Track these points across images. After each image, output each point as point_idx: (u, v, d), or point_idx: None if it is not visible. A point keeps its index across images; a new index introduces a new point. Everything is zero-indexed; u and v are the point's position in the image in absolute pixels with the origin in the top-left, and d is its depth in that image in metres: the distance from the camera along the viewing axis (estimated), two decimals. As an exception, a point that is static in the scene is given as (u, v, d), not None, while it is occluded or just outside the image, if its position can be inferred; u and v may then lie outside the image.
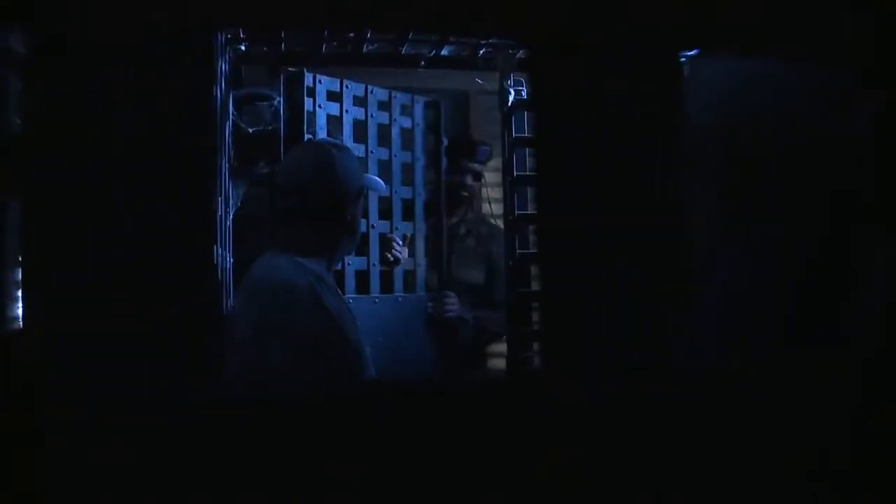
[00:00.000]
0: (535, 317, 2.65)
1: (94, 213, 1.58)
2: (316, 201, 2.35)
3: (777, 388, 1.78)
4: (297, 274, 2.27)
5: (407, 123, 3.22)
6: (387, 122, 3.14)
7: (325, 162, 2.36)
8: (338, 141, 2.77)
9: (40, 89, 1.61)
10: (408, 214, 3.20)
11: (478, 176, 3.52)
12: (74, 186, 1.58)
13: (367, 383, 2.16)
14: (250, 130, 2.67)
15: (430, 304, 3.16)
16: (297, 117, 2.85)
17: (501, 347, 3.32)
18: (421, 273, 3.23)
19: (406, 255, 3.15)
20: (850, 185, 1.95)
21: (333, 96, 2.95)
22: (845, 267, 1.97)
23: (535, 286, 2.72)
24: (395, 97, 3.17)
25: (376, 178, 2.73)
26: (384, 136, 3.13)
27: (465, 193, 3.50)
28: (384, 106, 3.14)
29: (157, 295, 1.60)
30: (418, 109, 3.27)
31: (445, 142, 3.35)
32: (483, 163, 3.50)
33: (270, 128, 2.76)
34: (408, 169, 3.20)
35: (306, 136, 2.81)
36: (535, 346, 2.61)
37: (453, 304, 3.20)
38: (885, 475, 1.79)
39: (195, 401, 1.57)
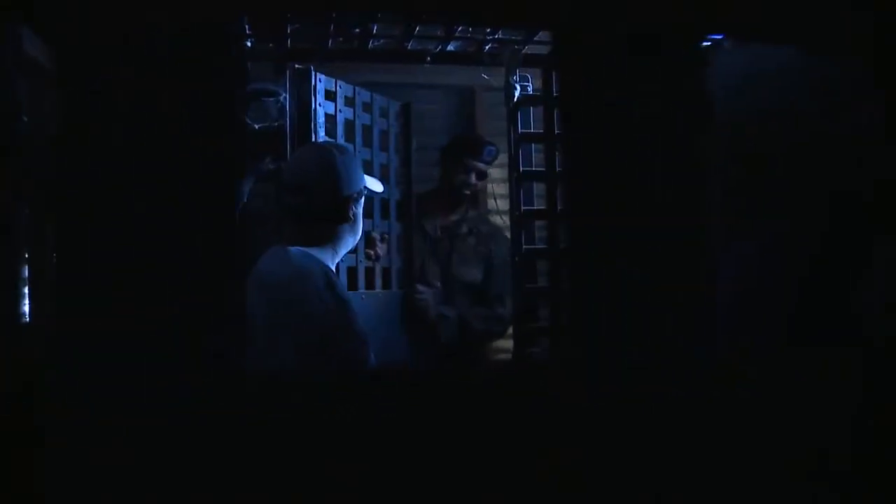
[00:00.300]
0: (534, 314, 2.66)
1: (108, 212, 1.59)
2: (319, 201, 2.40)
3: (777, 387, 1.77)
4: (311, 263, 2.34)
5: (384, 125, 3.24)
6: (369, 123, 3.16)
7: (327, 164, 2.41)
8: (341, 143, 2.79)
9: (61, 89, 1.62)
10: (386, 213, 3.24)
11: (482, 175, 3.50)
12: (89, 187, 1.59)
13: (375, 371, 2.18)
14: (256, 127, 2.68)
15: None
16: (304, 114, 2.85)
17: (508, 344, 3.33)
18: (395, 270, 3.26)
19: (384, 253, 3.19)
20: (853, 185, 1.94)
21: (331, 95, 2.96)
22: (848, 267, 1.96)
23: (540, 282, 2.74)
24: (374, 100, 3.17)
25: (374, 178, 2.75)
26: (368, 137, 3.16)
27: (468, 192, 3.48)
28: (368, 107, 3.16)
29: (179, 293, 1.60)
30: (392, 112, 3.28)
31: (415, 144, 3.35)
32: (489, 163, 3.49)
33: (276, 124, 2.77)
34: (385, 169, 3.22)
35: (312, 134, 2.82)
36: (539, 342, 2.62)
37: (424, 295, 3.21)
38: (885, 475, 1.79)
39: (212, 396, 1.57)
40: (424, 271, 3.35)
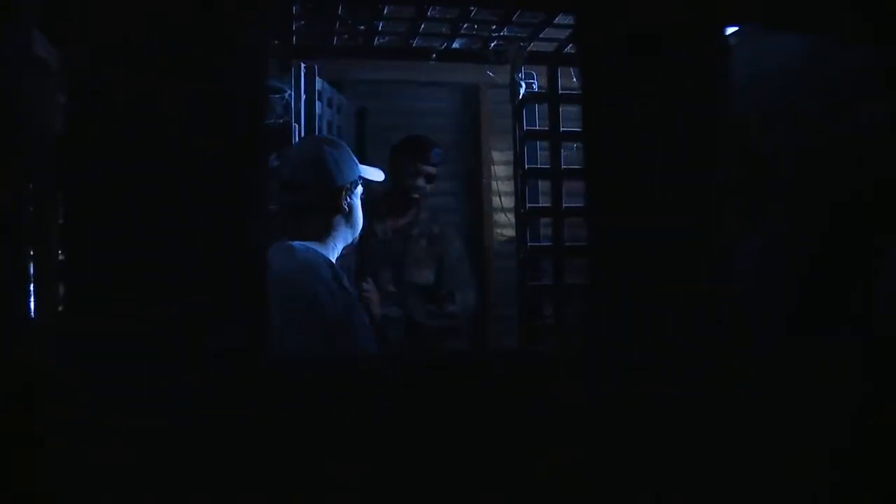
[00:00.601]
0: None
1: (126, 210, 1.58)
2: (312, 194, 2.38)
3: (778, 387, 1.76)
4: (315, 256, 2.33)
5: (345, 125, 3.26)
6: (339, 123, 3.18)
7: (317, 157, 2.39)
8: (333, 137, 2.78)
9: (74, 87, 1.62)
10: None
11: (430, 178, 3.40)
12: (107, 186, 1.59)
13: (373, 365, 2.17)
14: (262, 123, 2.68)
15: None
16: (309, 112, 2.87)
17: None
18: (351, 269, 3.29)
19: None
20: (855, 185, 1.93)
21: (319, 95, 2.97)
22: (850, 267, 1.96)
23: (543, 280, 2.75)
24: (342, 102, 3.18)
25: (373, 168, 2.72)
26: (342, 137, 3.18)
27: (416, 195, 3.40)
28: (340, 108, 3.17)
29: (197, 291, 1.60)
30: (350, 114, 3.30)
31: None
32: (436, 165, 3.44)
33: (281, 120, 2.77)
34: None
35: (316, 132, 2.83)
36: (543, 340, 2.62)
37: (368, 293, 3.22)
38: (885, 475, 1.78)
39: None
40: (375, 273, 3.34)
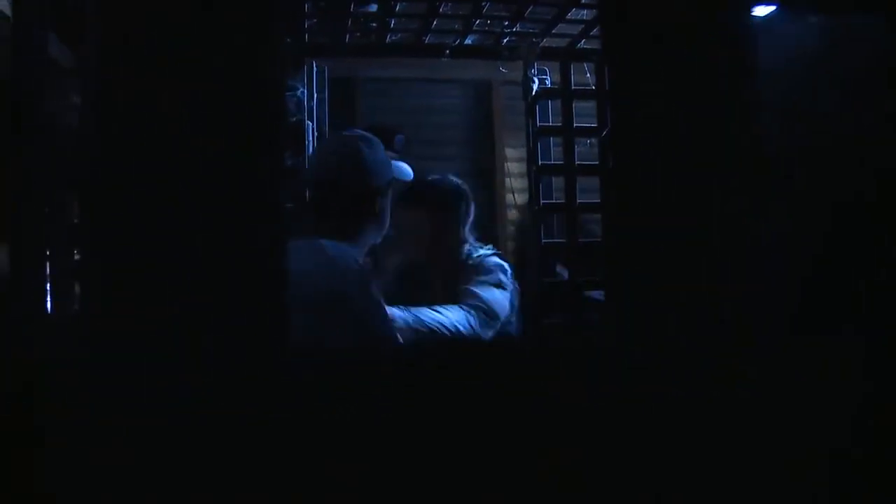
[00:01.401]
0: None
1: (144, 208, 1.59)
2: (346, 195, 2.30)
3: (779, 387, 1.74)
4: (347, 256, 2.22)
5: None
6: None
7: (353, 156, 2.32)
8: (367, 134, 2.72)
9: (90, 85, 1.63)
10: None
11: None
12: (127, 184, 1.59)
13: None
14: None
15: None
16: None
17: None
18: None
19: None
20: (857, 185, 1.91)
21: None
22: (856, 266, 1.93)
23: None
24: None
25: (403, 165, 2.67)
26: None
27: None
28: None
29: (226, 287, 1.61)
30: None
31: None
32: (399, 152, 3.40)
33: (294, 119, 2.77)
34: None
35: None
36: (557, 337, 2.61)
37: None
38: (886, 475, 1.76)
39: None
40: None
